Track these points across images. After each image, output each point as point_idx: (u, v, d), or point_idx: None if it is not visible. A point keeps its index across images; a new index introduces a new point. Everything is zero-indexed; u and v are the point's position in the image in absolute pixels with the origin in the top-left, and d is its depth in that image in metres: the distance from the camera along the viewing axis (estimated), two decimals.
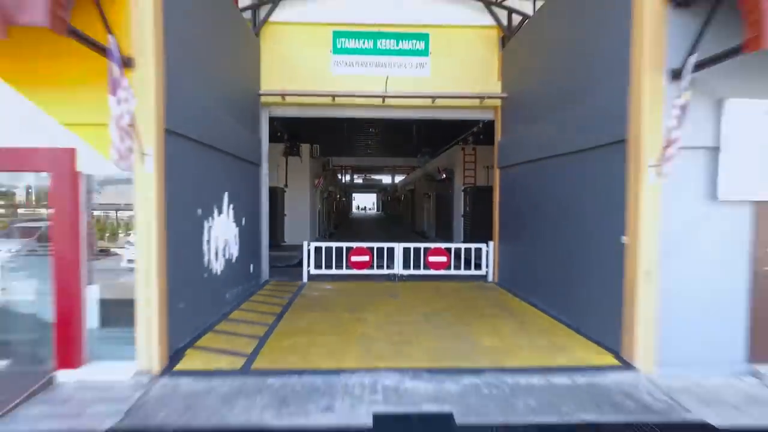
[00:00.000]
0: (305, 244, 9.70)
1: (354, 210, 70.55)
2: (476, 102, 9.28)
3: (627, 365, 4.65)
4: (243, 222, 7.63)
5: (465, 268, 9.77)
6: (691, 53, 4.17)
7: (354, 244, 9.83)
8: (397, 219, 42.18)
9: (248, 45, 8.28)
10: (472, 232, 14.05)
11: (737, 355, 4.64)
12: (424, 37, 9.29)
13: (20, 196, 4.70)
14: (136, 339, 4.40)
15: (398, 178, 44.63)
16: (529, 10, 8.97)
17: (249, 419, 3.58)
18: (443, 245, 10.25)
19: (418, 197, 27.89)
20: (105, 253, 4.72)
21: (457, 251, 10.19)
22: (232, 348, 5.08)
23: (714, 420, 3.65)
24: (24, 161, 4.36)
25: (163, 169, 4.53)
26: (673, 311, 4.59)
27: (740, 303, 4.65)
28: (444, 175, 17.99)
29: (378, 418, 3.62)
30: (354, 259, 9.58)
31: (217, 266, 6.31)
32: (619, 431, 3.50)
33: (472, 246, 10.00)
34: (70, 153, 4.35)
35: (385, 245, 9.69)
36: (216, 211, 6.27)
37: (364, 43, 9.25)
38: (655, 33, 4.48)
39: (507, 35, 9.14)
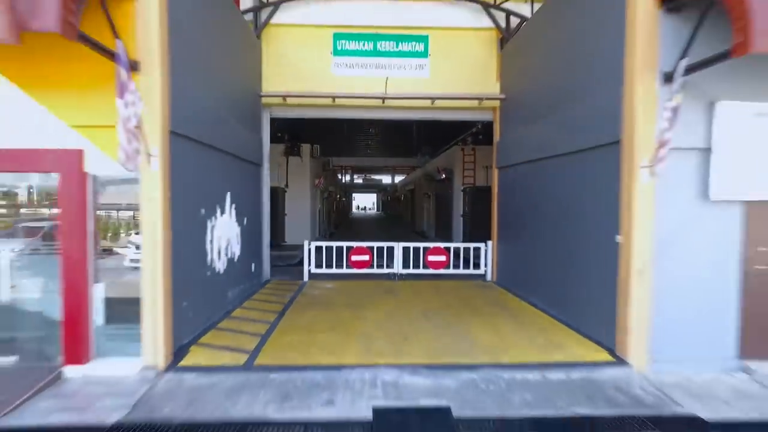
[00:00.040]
0: (306, 243, 9.80)
1: (354, 210, 70.54)
2: (475, 103, 9.38)
3: (621, 361, 4.75)
4: (245, 222, 7.74)
5: (464, 268, 9.88)
6: (682, 57, 4.28)
7: (354, 244, 9.92)
8: (397, 219, 42.23)
9: (250, 47, 8.39)
10: (471, 231, 14.12)
11: (728, 351, 4.75)
12: (424, 39, 9.39)
13: (22, 197, 4.81)
14: (142, 336, 4.51)
15: (398, 178, 44.65)
16: (527, 12, 9.06)
17: (252, 413, 3.68)
18: (442, 245, 10.34)
19: (418, 197, 27.95)
20: (108, 252, 4.82)
21: (456, 250, 10.30)
22: (235, 345, 5.18)
23: (704, 414, 3.76)
24: (34, 162, 4.47)
25: (168, 170, 4.63)
26: (666, 309, 4.69)
27: (731, 301, 4.76)
28: (443, 175, 18.08)
29: (378, 412, 3.72)
30: (354, 258, 9.67)
31: (220, 265, 6.42)
32: (612, 424, 3.60)
33: (471, 245, 10.11)
34: (78, 154, 4.45)
35: (385, 245, 9.79)
36: (219, 211, 6.38)
37: (364, 44, 9.35)
38: (648, 37, 4.59)
39: (505, 37, 9.23)
